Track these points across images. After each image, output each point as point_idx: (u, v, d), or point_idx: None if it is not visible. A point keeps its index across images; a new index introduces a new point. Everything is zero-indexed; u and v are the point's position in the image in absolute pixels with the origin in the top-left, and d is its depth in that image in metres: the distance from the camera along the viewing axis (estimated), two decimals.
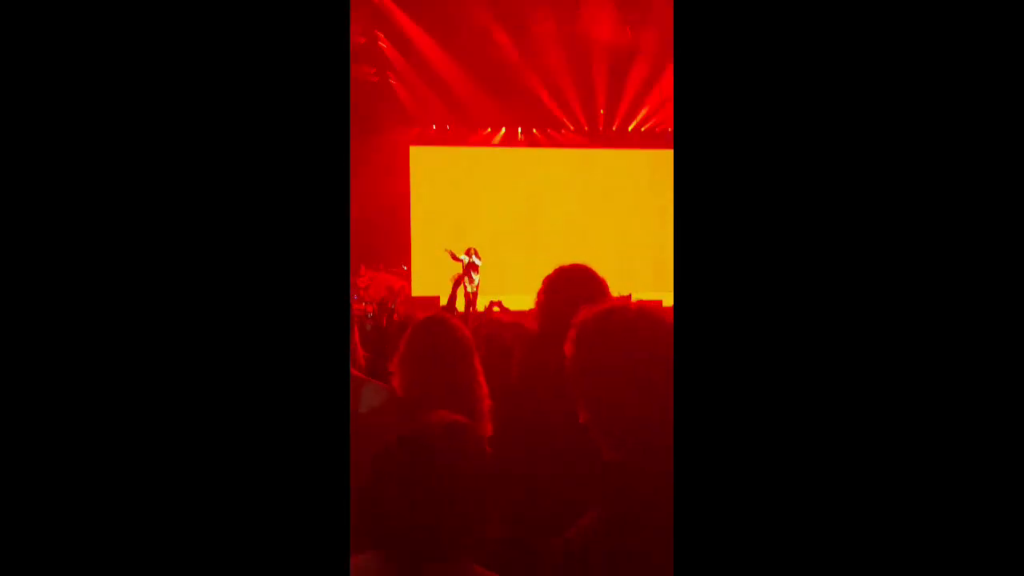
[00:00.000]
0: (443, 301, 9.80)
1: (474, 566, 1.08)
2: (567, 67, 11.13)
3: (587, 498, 1.18)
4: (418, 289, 11.44)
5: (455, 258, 9.60)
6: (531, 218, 11.92)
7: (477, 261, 9.71)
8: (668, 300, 8.04)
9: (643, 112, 11.62)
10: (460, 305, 9.37)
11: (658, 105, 11.22)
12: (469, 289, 9.67)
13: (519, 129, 11.94)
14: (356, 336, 2.01)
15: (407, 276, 11.63)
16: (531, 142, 11.98)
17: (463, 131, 11.75)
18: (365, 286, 10.53)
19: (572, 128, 11.95)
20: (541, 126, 11.91)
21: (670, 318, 1.13)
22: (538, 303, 1.84)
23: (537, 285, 1.88)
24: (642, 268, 11.16)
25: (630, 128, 11.77)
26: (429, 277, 11.35)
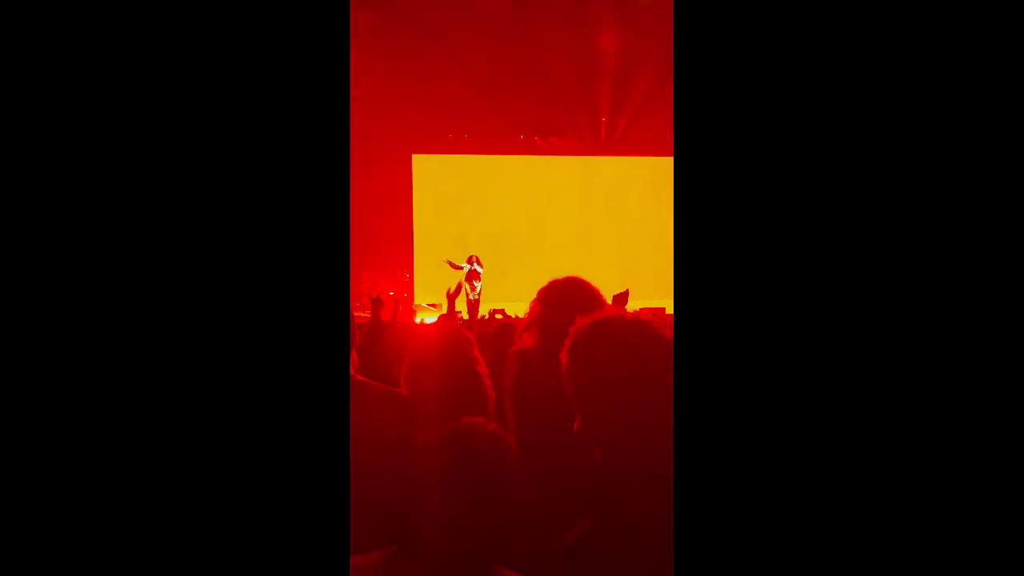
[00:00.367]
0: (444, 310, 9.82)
1: (501, 568, 1.10)
2: (570, 74, 11.16)
3: (585, 505, 1.19)
4: (420, 296, 11.45)
5: (455, 267, 9.61)
6: (533, 225, 11.93)
7: (478, 268, 9.72)
8: (670, 307, 8.04)
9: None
10: (463, 313, 9.39)
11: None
12: (471, 296, 9.68)
13: (520, 136, 11.95)
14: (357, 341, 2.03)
15: (410, 283, 11.64)
16: (533, 150, 12.00)
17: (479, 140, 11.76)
18: (368, 292, 10.54)
19: (574, 136, 11.98)
20: (543, 133, 11.93)
21: (664, 329, 1.15)
22: (531, 314, 1.86)
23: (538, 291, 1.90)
24: (643, 275, 11.16)
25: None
26: (431, 284, 11.37)
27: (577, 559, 1.11)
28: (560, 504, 1.43)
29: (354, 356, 1.96)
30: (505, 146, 11.94)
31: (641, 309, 1.30)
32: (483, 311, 9.40)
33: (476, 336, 2.04)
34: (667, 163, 11.04)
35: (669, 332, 1.12)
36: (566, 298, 1.78)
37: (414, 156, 11.96)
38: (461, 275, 9.53)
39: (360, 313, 8.66)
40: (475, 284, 9.67)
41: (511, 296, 9.90)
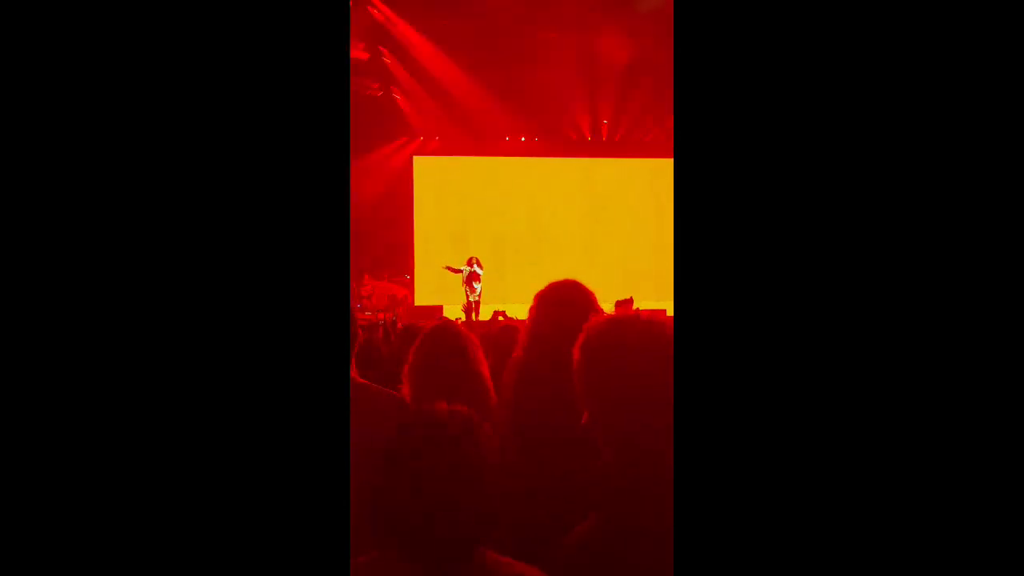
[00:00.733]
0: (446, 312, 9.84)
1: (487, 552, 1.09)
2: (571, 76, 11.17)
3: (588, 503, 1.19)
4: (421, 298, 11.45)
5: (454, 271, 9.64)
6: (534, 227, 11.94)
7: (478, 270, 9.74)
8: (670, 309, 8.04)
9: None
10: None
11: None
12: (471, 298, 9.69)
13: (522, 138, 11.96)
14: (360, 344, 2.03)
15: (410, 285, 11.64)
16: (534, 151, 12.01)
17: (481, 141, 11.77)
18: (368, 295, 10.55)
19: (575, 137, 11.99)
20: (544, 135, 11.94)
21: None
22: (530, 318, 1.87)
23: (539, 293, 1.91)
24: (644, 276, 11.17)
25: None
26: (432, 287, 11.37)
27: (582, 557, 1.11)
28: (563, 508, 1.44)
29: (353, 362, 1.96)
30: (506, 148, 11.95)
31: (641, 311, 1.31)
32: (485, 313, 9.41)
33: (478, 337, 2.04)
34: (667, 165, 11.06)
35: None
36: (561, 304, 1.79)
37: (415, 158, 11.98)
38: (461, 278, 9.56)
39: (363, 315, 8.67)
40: (475, 286, 9.69)
41: (511, 298, 9.90)
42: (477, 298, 9.67)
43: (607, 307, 1.87)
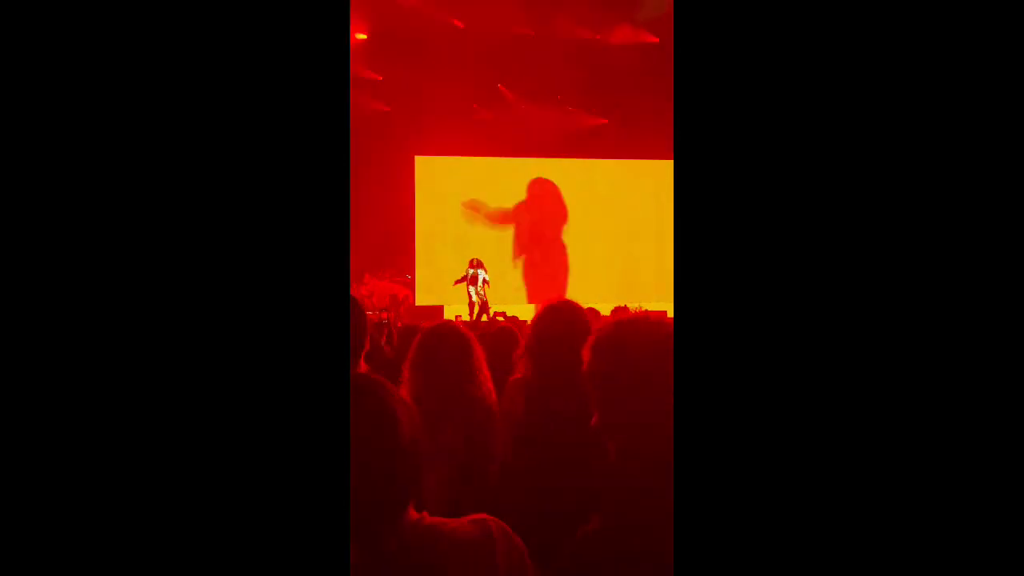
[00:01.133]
0: (448, 314, 9.85)
1: (411, 510, 1.10)
2: (572, 74, 11.17)
3: (594, 503, 1.20)
4: (422, 298, 11.46)
5: (460, 282, 9.67)
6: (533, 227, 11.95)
7: (480, 272, 9.76)
8: (670, 310, 8.04)
9: None
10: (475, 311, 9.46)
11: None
12: (475, 299, 9.71)
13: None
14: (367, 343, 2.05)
15: (411, 285, 11.65)
16: (534, 151, 12.01)
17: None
18: (368, 294, 10.55)
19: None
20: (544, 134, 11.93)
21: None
22: (529, 342, 1.89)
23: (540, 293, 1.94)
24: (644, 277, 11.18)
25: None
26: (433, 286, 11.38)
27: (589, 558, 1.12)
28: (571, 510, 1.45)
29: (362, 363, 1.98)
30: (506, 148, 11.95)
31: (649, 312, 1.31)
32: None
33: (478, 338, 2.06)
34: (667, 166, 11.06)
35: None
36: (558, 326, 1.82)
37: (417, 158, 11.98)
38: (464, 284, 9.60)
39: (369, 312, 8.66)
40: (477, 288, 9.70)
41: (511, 299, 9.93)
42: (482, 299, 9.69)
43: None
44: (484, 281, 9.65)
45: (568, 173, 12.11)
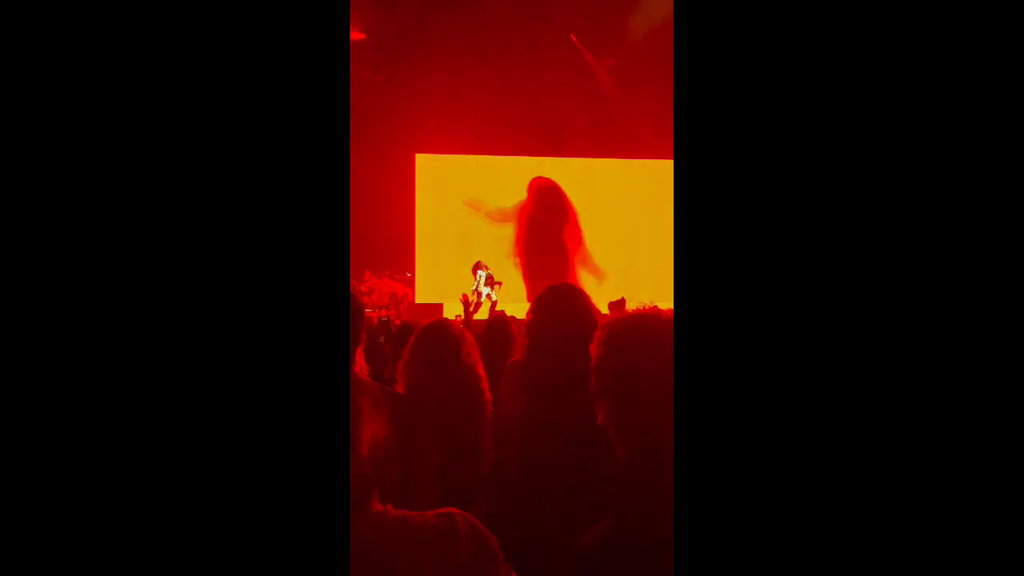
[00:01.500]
0: (447, 313, 9.86)
1: (374, 502, 1.12)
2: (573, 74, 11.16)
3: (602, 503, 1.20)
4: (421, 296, 11.46)
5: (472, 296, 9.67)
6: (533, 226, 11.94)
7: (483, 272, 9.77)
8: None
9: None
10: (484, 312, 9.45)
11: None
12: (483, 299, 9.72)
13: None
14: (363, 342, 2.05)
15: (411, 283, 11.65)
16: (534, 151, 12.00)
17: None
18: (368, 291, 10.55)
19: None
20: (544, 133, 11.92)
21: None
22: (529, 321, 1.89)
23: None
24: (643, 276, 11.17)
25: None
26: (433, 284, 11.38)
27: (598, 559, 1.11)
28: (575, 508, 1.44)
29: (361, 357, 1.99)
30: (507, 147, 11.94)
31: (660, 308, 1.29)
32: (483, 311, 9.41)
33: (475, 334, 2.07)
34: (667, 166, 11.06)
35: None
36: (558, 306, 1.81)
37: (417, 155, 11.97)
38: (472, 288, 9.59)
39: (369, 310, 8.67)
40: (484, 290, 9.72)
41: (511, 297, 9.91)
42: (480, 301, 9.69)
43: (600, 308, 1.89)
44: (492, 280, 9.66)
45: (568, 172, 12.11)
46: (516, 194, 11.98)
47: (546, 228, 11.86)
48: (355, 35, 9.91)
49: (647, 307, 1.26)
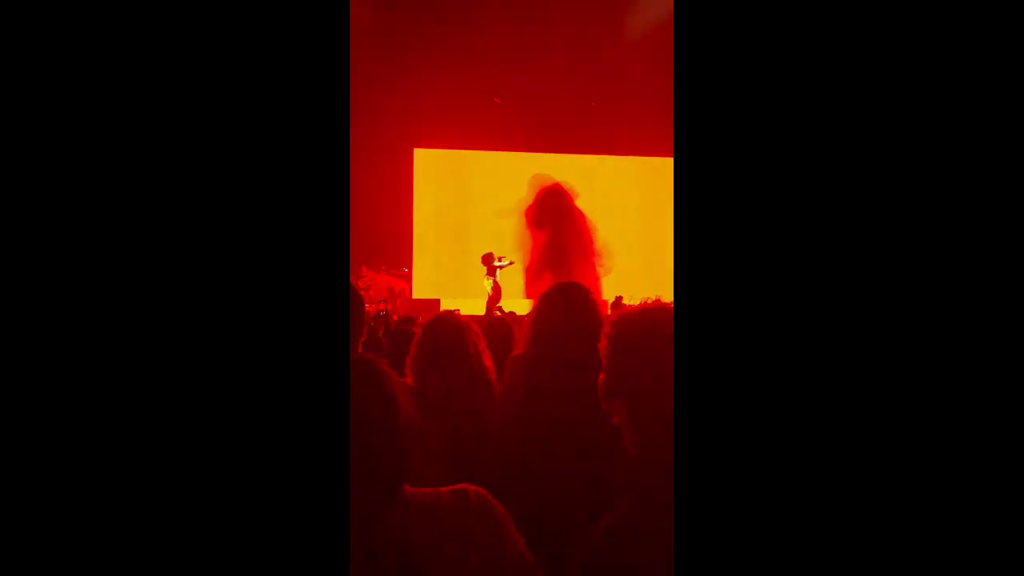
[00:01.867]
0: (444, 308, 9.87)
1: (406, 487, 1.13)
2: (573, 71, 11.17)
3: (608, 496, 1.20)
4: (419, 291, 11.47)
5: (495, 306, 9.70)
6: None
7: (498, 265, 9.85)
8: None
9: None
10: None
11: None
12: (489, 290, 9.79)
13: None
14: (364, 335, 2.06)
15: (408, 278, 11.66)
16: (533, 147, 12.02)
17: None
18: (366, 287, 10.56)
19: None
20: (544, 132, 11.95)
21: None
22: (533, 317, 1.90)
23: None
24: (642, 274, 11.19)
25: None
26: (430, 280, 11.40)
27: (609, 548, 1.11)
28: (585, 498, 1.45)
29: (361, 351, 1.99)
30: (506, 142, 11.96)
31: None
32: (481, 308, 9.43)
33: (481, 327, 2.07)
34: (667, 164, 11.08)
35: None
36: (563, 303, 1.82)
37: (416, 151, 11.98)
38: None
39: (369, 307, 8.67)
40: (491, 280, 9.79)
41: (509, 292, 9.90)
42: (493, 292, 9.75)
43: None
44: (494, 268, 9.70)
45: (568, 168, 12.12)
46: (514, 190, 11.99)
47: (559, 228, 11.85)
48: (355, 29, 9.89)
49: (651, 301, 1.26)
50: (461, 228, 11.78)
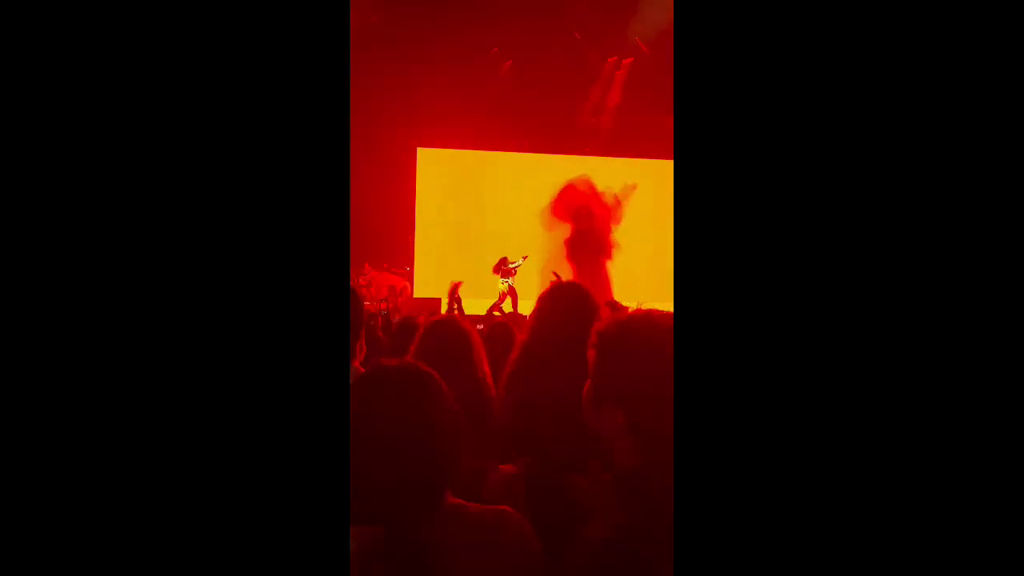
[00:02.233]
0: (446, 307, 9.86)
1: (448, 494, 1.13)
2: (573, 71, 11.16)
3: (603, 503, 1.20)
4: (420, 290, 11.47)
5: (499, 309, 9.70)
6: (533, 223, 11.96)
7: (513, 265, 9.90)
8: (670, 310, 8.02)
9: None
10: (507, 306, 9.50)
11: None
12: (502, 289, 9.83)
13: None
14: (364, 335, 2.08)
15: (409, 277, 11.67)
16: (535, 147, 12.02)
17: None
18: (366, 284, 10.56)
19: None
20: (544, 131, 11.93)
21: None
22: (533, 318, 1.91)
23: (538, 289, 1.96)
24: (643, 275, 11.20)
25: None
26: (431, 279, 11.40)
27: (605, 555, 1.11)
28: (578, 502, 1.46)
29: (363, 347, 2.01)
30: (508, 143, 11.95)
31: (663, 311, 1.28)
32: (483, 308, 9.44)
33: (479, 330, 2.09)
34: (667, 166, 11.06)
35: None
36: (561, 305, 1.83)
37: (419, 149, 11.98)
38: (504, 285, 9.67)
39: (369, 304, 8.68)
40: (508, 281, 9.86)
41: (523, 294, 9.92)
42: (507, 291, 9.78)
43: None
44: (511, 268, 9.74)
45: (567, 169, 12.12)
46: (515, 190, 11.99)
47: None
48: (355, 26, 9.87)
49: (639, 309, 1.25)
50: (463, 227, 11.78)
